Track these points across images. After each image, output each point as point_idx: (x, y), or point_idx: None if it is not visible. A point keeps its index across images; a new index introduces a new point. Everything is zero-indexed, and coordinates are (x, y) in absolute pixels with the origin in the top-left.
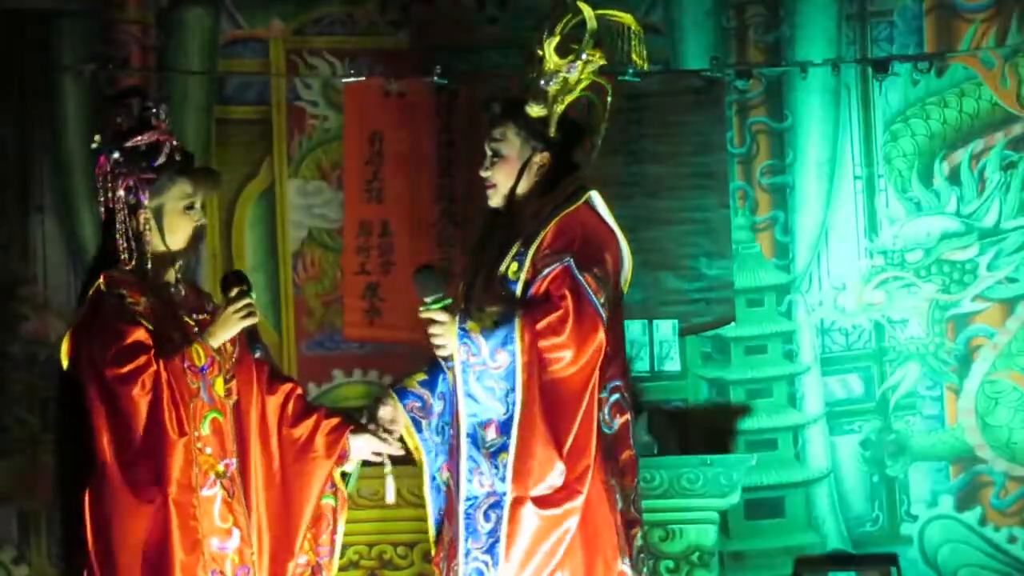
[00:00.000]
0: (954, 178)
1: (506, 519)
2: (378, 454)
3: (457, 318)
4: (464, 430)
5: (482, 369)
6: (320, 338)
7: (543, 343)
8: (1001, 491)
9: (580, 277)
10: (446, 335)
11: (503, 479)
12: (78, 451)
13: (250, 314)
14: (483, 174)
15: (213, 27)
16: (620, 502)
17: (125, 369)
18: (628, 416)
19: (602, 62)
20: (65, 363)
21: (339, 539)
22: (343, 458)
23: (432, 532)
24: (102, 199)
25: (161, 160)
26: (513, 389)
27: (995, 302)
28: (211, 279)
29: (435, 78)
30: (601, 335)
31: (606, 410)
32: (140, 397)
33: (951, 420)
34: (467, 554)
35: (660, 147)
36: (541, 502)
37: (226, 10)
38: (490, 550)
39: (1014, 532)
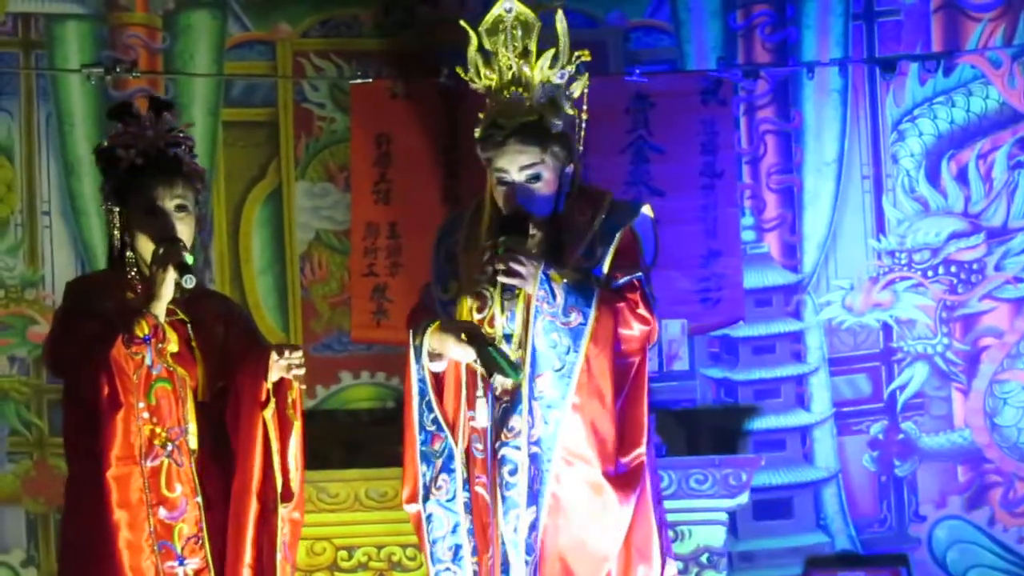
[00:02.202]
0: (962, 178)
1: (552, 477)
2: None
3: (543, 263)
4: (526, 374)
5: (551, 319)
6: (328, 340)
7: (620, 324)
8: (1010, 491)
9: (648, 291)
10: (531, 273)
11: (554, 435)
12: None
13: (168, 262)
14: (522, 202)
15: (220, 30)
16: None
17: (84, 363)
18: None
19: (587, 57)
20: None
21: (287, 455)
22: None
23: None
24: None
25: (122, 166)
26: (576, 349)
27: (1003, 302)
28: (219, 282)
29: (441, 79)
30: (651, 338)
31: (651, 415)
32: (89, 387)
33: (959, 420)
34: (529, 502)
35: (667, 146)
36: (610, 480)
37: (233, 13)
38: (534, 500)
39: (1023, 532)
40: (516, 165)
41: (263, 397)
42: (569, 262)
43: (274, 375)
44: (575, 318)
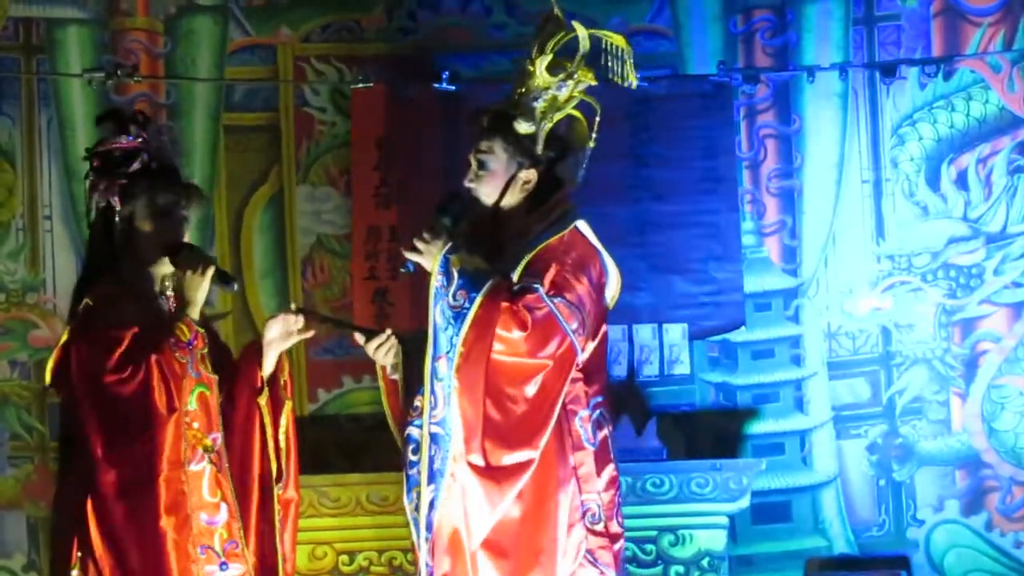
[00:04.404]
0: (961, 182)
1: (451, 457)
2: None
3: (449, 245)
4: (428, 355)
5: (443, 301)
6: (329, 344)
7: (499, 324)
8: (1007, 496)
9: (550, 303)
10: (431, 251)
11: (451, 416)
12: (73, 462)
13: (206, 264)
14: (468, 185)
15: (221, 34)
16: (604, 517)
17: (127, 372)
18: (607, 430)
19: (593, 82)
20: (49, 378)
21: (278, 436)
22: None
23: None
24: (87, 208)
25: (135, 167)
26: (457, 333)
27: (1001, 307)
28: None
29: (443, 84)
30: (563, 353)
31: (589, 427)
32: (139, 394)
33: (957, 425)
34: (408, 482)
35: (668, 151)
36: (475, 470)
37: (234, 17)
38: (433, 479)
39: (1020, 537)
40: (475, 149)
41: (258, 384)
42: (500, 261)
43: (268, 364)
44: (462, 302)
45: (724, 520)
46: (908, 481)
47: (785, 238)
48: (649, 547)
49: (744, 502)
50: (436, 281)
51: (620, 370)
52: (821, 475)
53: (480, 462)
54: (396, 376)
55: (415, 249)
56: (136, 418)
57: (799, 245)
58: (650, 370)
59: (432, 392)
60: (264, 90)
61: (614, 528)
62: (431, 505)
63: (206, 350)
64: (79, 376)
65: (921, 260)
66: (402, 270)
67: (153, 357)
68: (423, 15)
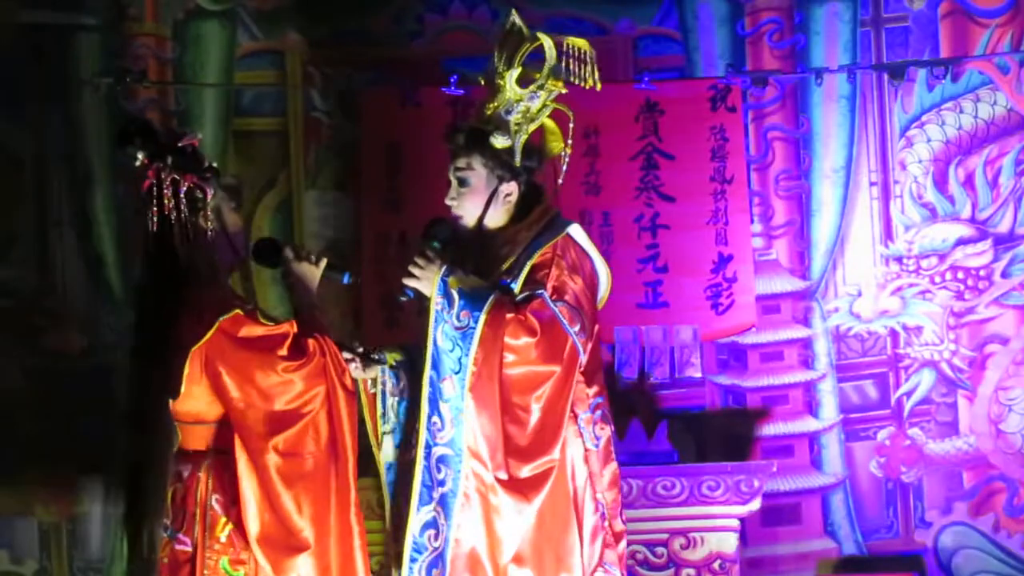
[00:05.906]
0: (969, 184)
1: (463, 476)
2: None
3: (444, 268)
4: (427, 377)
5: (447, 324)
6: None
7: (507, 334)
8: (1015, 497)
9: (554, 308)
10: (427, 276)
11: (460, 436)
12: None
13: (319, 255)
14: (449, 203)
15: (230, 39)
16: (607, 516)
17: (304, 358)
18: (610, 429)
19: (563, 90)
20: (185, 386)
21: None
22: None
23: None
24: (156, 208)
25: (207, 163)
26: (466, 352)
27: (1009, 309)
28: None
29: (451, 87)
30: (569, 356)
31: (592, 428)
32: (319, 375)
33: (965, 427)
34: (420, 502)
35: (677, 153)
36: (503, 485)
37: (242, 22)
38: (442, 502)
39: None
40: (453, 166)
41: None
42: (494, 273)
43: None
44: (466, 322)
45: (735, 523)
46: (916, 483)
47: (793, 241)
48: (660, 550)
49: (755, 504)
50: (436, 304)
51: (631, 372)
52: (830, 477)
53: (505, 476)
54: (375, 390)
55: (412, 276)
56: (315, 400)
57: (807, 247)
58: (660, 372)
59: (439, 414)
60: (273, 95)
61: (618, 527)
62: (426, 526)
63: None
64: (246, 377)
65: (929, 262)
66: (402, 299)
67: (322, 339)
68: (431, 19)
